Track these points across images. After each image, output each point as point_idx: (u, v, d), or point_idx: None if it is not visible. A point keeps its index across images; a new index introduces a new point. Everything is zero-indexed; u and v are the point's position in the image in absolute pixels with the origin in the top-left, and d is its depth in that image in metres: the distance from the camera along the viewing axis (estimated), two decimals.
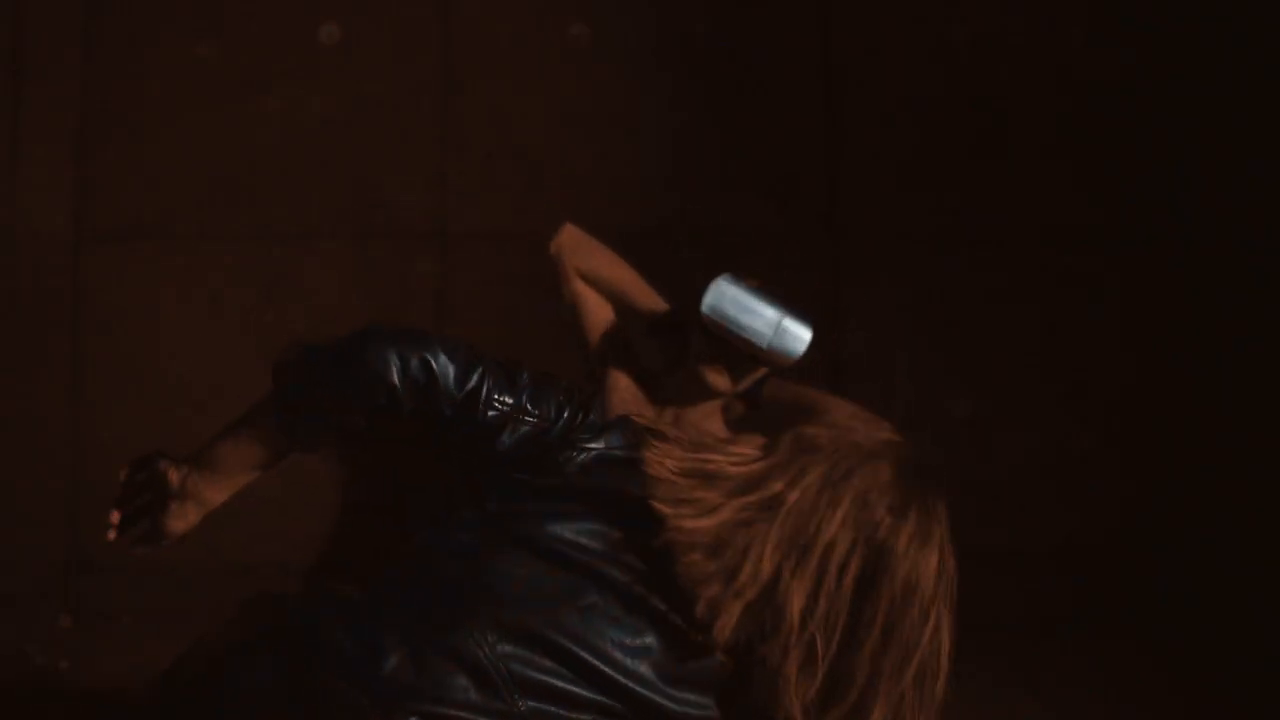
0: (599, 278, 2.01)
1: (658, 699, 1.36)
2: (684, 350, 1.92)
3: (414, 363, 1.43)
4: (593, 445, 1.47)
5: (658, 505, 1.38)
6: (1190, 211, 3.11)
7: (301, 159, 3.01)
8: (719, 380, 1.82)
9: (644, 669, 1.36)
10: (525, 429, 1.47)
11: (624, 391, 1.88)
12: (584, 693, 1.34)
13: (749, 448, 1.48)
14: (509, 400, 1.47)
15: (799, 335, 1.86)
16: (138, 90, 2.99)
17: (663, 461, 1.43)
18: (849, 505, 1.37)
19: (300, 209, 3.00)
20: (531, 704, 1.31)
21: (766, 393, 1.99)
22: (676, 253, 2.87)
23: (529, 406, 1.48)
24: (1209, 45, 3.11)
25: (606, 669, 1.34)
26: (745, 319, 1.84)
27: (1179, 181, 3.10)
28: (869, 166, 3.07)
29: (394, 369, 1.43)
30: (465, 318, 2.97)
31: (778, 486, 1.39)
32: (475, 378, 1.46)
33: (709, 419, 1.90)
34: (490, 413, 1.46)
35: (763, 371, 1.94)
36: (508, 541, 1.40)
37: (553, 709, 1.32)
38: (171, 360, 2.97)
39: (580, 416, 1.49)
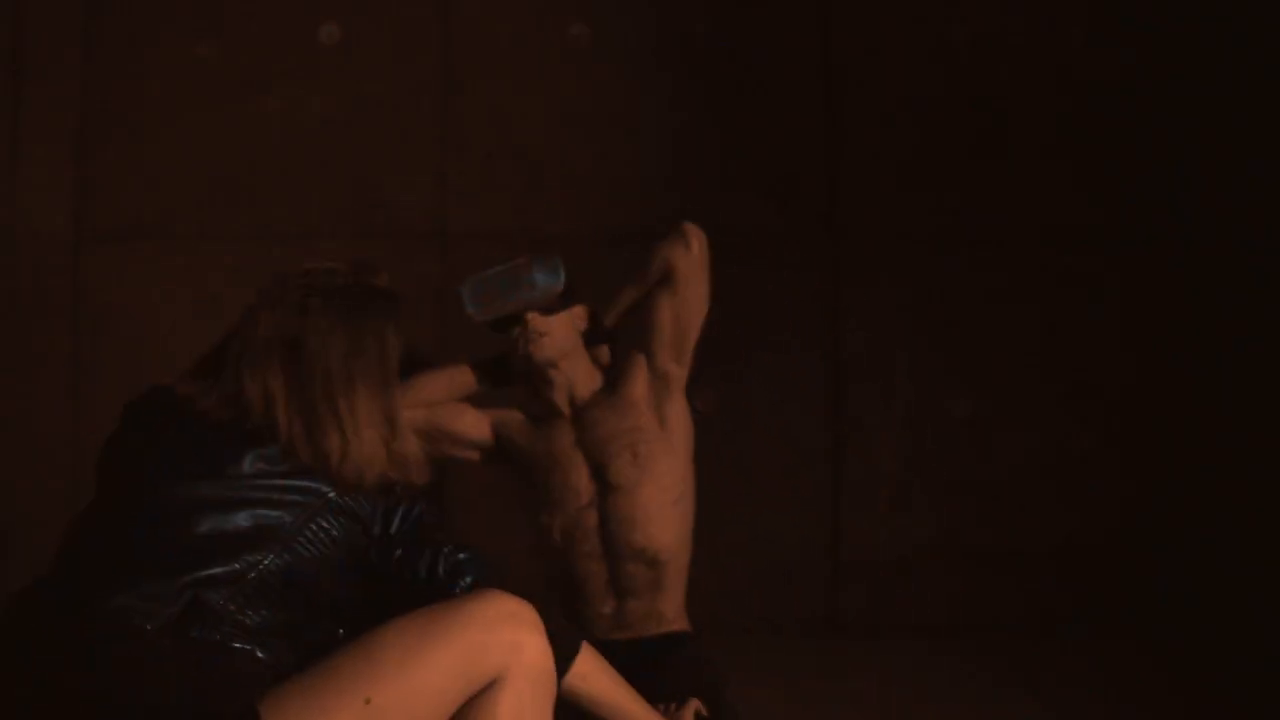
0: (425, 395, 2.24)
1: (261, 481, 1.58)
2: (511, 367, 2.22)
3: None
4: None
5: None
6: (1190, 211, 3.11)
7: (301, 159, 3.01)
8: (541, 350, 2.12)
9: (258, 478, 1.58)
10: None
11: (531, 433, 2.23)
12: (236, 524, 1.53)
13: None
14: None
15: (550, 267, 2.09)
16: (138, 90, 2.99)
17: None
18: (266, 312, 1.66)
19: (300, 209, 3.00)
20: (209, 562, 1.49)
21: (611, 323, 2.27)
22: None
23: None
24: (1209, 45, 3.11)
25: (240, 497, 1.56)
26: (500, 289, 2.10)
27: (1179, 181, 3.10)
28: (869, 166, 3.07)
29: None
30: (465, 318, 2.97)
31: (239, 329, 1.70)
32: None
33: (592, 379, 2.22)
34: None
35: (581, 318, 2.21)
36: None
37: (221, 559, 1.49)
38: (171, 360, 2.95)
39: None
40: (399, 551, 1.61)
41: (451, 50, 3.04)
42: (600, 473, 2.15)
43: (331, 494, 1.58)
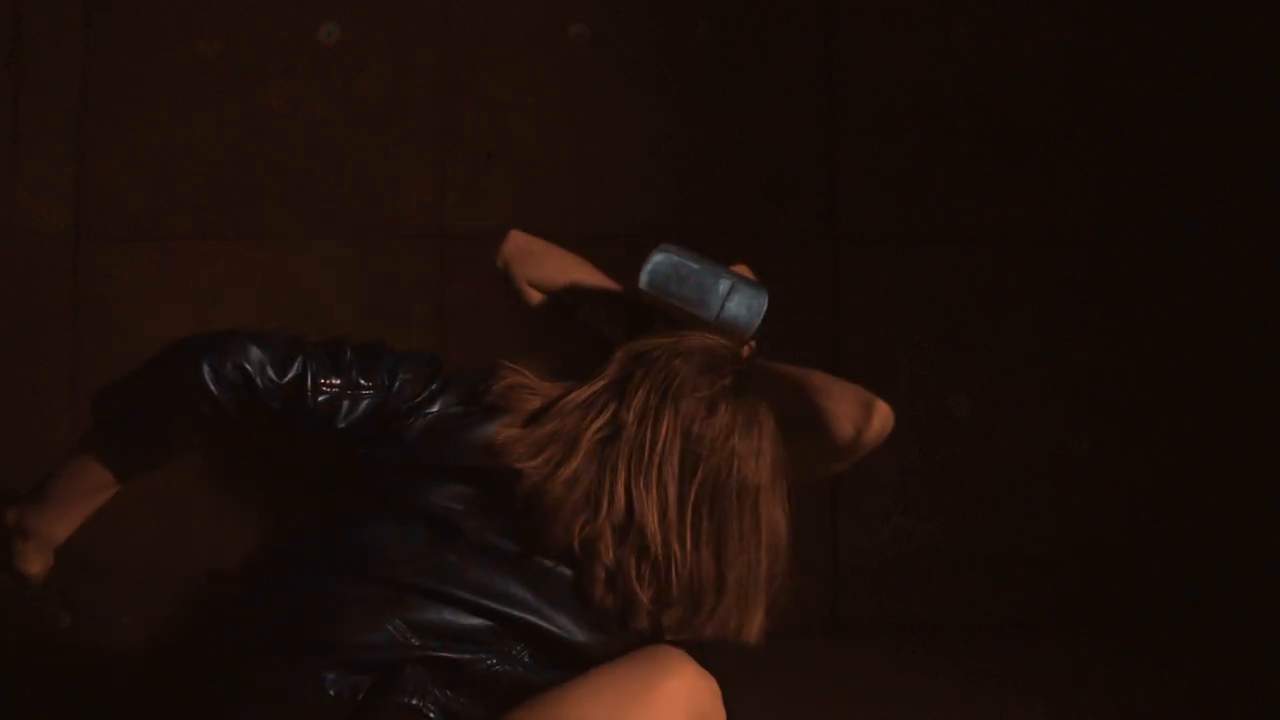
0: (554, 285, 1.90)
1: (535, 620, 1.41)
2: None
3: (228, 367, 1.44)
4: (430, 410, 1.50)
5: (512, 462, 1.43)
6: (1190, 211, 3.11)
7: (301, 159, 3.01)
8: None
9: (517, 592, 1.41)
10: (364, 402, 1.49)
11: None
12: (470, 623, 1.39)
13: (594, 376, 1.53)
14: (336, 380, 1.49)
15: (750, 302, 1.68)
16: (138, 90, 2.99)
17: (507, 416, 1.48)
18: (670, 411, 1.43)
19: (300, 209, 3.00)
20: (431, 643, 1.37)
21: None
22: None
23: (360, 380, 1.50)
24: (1210, 45, 3.11)
25: (486, 602, 1.39)
26: (687, 290, 1.66)
27: (1179, 181, 3.10)
28: (869, 166, 3.07)
29: (208, 379, 1.43)
30: (465, 318, 2.97)
31: (613, 407, 1.46)
32: (296, 365, 1.47)
33: None
34: (320, 397, 1.48)
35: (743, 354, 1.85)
36: (372, 513, 1.45)
37: (444, 647, 1.37)
38: None
39: (416, 381, 1.51)
40: None
41: (451, 50, 3.04)
42: None
43: (570, 639, 1.42)
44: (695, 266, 1.68)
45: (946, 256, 3.08)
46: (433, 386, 1.51)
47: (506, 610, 1.40)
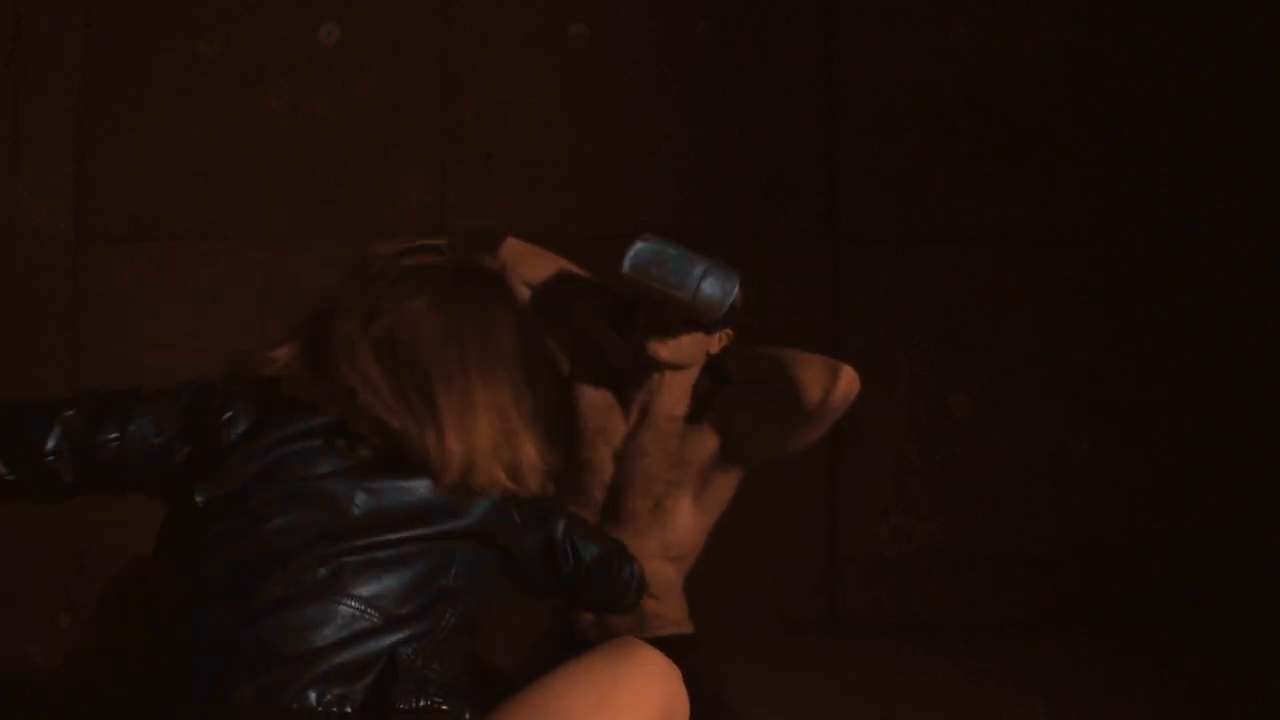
0: (547, 283, 2.05)
1: (448, 524, 1.45)
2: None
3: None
4: (237, 429, 1.50)
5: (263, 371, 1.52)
6: (1190, 211, 3.11)
7: (301, 159, 3.01)
8: (660, 350, 1.90)
9: (417, 509, 1.44)
10: (180, 455, 1.48)
11: (592, 402, 2.01)
12: (406, 574, 1.41)
13: None
14: (114, 434, 1.46)
15: (723, 283, 1.86)
16: (138, 90, 2.99)
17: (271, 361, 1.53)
18: (366, 287, 1.52)
19: (299, 209, 3.00)
20: (391, 610, 1.39)
21: (733, 369, 2.01)
22: None
23: (155, 438, 1.49)
24: (1209, 45, 3.11)
25: (404, 533, 1.43)
26: (665, 273, 1.86)
27: (1179, 181, 3.10)
28: (869, 166, 3.07)
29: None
30: None
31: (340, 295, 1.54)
32: (56, 432, 1.44)
33: (678, 403, 1.96)
34: (104, 453, 1.45)
35: (719, 342, 1.97)
36: (276, 509, 1.42)
37: (400, 608, 1.39)
38: (171, 360, 2.96)
39: (216, 415, 1.51)
40: (593, 584, 1.63)
41: (451, 50, 3.04)
42: (616, 497, 1.99)
43: (463, 524, 1.45)
44: (673, 252, 1.88)
45: (946, 256, 3.08)
46: (234, 412, 1.51)
47: (423, 531, 1.43)
